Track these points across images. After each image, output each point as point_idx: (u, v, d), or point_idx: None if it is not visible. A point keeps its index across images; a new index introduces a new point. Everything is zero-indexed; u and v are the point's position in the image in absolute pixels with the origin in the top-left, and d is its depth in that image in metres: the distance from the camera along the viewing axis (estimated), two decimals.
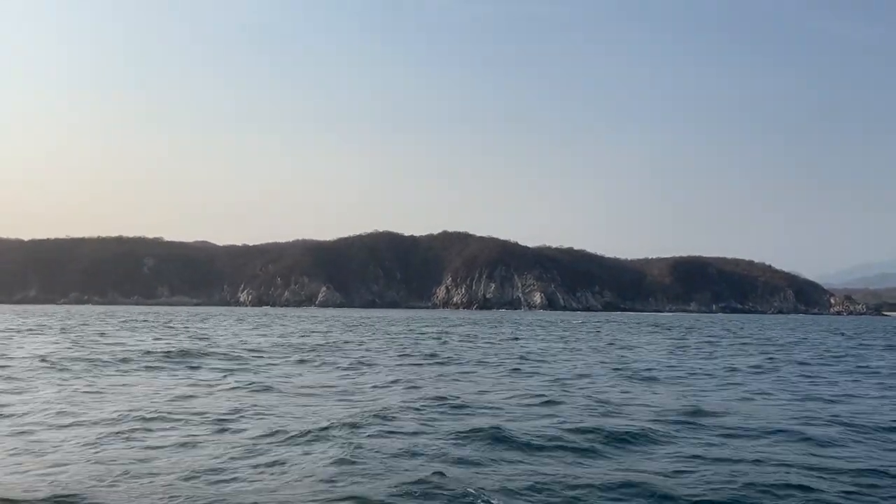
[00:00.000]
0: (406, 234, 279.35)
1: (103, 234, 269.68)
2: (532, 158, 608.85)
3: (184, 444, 11.11)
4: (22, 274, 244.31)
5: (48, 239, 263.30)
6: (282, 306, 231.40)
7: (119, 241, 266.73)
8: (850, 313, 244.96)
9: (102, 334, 43.68)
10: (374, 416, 13.38)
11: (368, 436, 11.64)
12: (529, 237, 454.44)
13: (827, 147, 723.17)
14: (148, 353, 28.30)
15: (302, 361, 26.01)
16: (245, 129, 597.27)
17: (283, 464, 9.89)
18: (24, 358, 24.80)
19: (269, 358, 27.50)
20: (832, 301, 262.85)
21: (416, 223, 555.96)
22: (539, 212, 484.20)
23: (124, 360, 24.78)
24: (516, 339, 46.33)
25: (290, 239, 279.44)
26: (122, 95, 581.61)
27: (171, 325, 62.76)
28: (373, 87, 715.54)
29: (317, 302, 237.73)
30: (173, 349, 30.16)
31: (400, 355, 29.88)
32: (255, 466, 9.77)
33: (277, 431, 11.98)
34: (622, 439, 11.63)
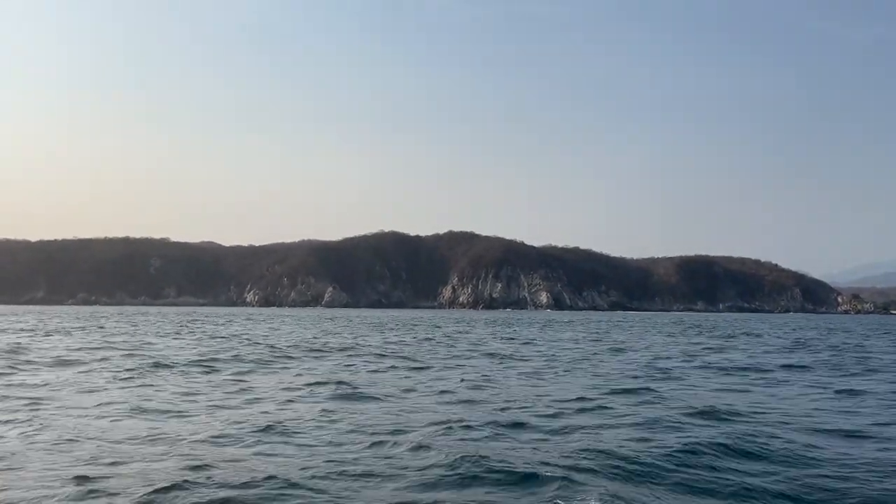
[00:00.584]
0: (412, 234, 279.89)
1: (110, 235, 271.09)
2: (536, 158, 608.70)
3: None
4: (30, 275, 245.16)
5: (55, 240, 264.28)
6: (288, 306, 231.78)
7: (126, 241, 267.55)
8: (858, 312, 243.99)
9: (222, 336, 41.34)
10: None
11: None
12: (535, 237, 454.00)
13: (831, 146, 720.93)
14: (272, 347, 30.51)
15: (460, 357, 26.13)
16: (249, 130, 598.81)
17: None
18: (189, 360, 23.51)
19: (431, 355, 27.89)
20: (839, 300, 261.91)
21: (422, 223, 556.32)
22: (544, 211, 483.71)
23: (287, 356, 26.16)
24: (620, 347, 37.50)
25: (296, 239, 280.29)
26: (124, 96, 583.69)
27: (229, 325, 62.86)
28: (375, 87, 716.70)
29: (323, 302, 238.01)
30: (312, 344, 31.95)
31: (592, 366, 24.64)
32: None
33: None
34: None
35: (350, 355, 27.08)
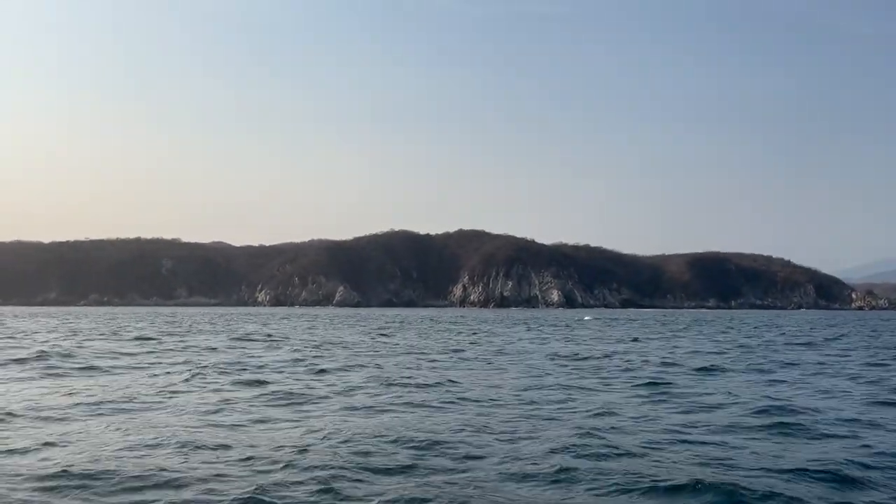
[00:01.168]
0: (422, 232, 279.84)
1: (122, 236, 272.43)
2: (544, 156, 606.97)
3: None
4: (43, 276, 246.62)
5: (67, 241, 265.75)
6: (300, 306, 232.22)
7: (137, 242, 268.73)
8: (873, 308, 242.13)
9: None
10: None
11: None
12: (545, 235, 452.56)
13: (842, 141, 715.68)
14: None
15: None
16: (259, 130, 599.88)
17: None
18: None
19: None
20: (853, 296, 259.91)
21: (431, 222, 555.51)
22: (553, 209, 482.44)
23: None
24: (636, 340, 40.61)
25: (305, 239, 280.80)
26: (127, 97, 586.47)
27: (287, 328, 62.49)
28: (382, 86, 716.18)
29: (334, 301, 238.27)
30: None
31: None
32: None
33: None
34: None
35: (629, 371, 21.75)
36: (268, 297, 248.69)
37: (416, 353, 28.43)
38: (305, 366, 22.25)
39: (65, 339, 36.00)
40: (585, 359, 26.10)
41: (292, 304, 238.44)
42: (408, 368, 21.84)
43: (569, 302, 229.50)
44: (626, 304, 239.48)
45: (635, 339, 40.83)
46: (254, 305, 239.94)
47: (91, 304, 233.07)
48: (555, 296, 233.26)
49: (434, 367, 22.41)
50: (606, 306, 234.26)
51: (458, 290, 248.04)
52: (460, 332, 49.78)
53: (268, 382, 17.53)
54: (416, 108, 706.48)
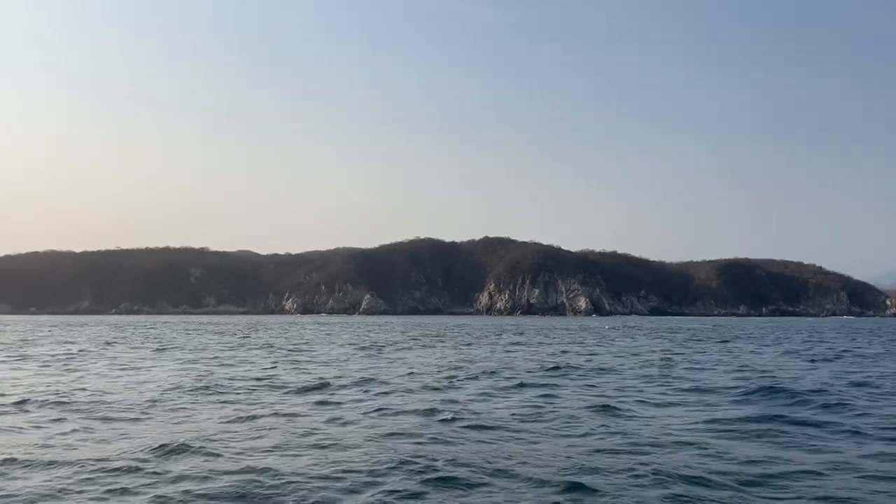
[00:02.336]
0: (447, 240, 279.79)
1: (151, 246, 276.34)
2: (569, 163, 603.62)
3: None
4: (75, 285, 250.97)
5: (99, 251, 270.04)
6: (327, 314, 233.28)
7: (166, 252, 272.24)
8: None
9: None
10: None
11: None
12: (571, 241, 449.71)
13: (873, 145, 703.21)
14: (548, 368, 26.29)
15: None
16: (279, 139, 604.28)
17: None
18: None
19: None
20: (888, 303, 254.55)
21: (457, 229, 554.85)
22: (580, 216, 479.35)
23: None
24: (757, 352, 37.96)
25: (331, 247, 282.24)
26: (163, 110, 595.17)
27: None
28: (413, 94, 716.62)
29: (360, 309, 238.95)
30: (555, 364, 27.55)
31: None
32: None
33: None
34: None
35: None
36: (295, 305, 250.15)
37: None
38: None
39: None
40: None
41: (319, 312, 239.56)
42: None
43: (597, 309, 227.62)
44: (654, 312, 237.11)
45: (812, 360, 31.35)
46: (281, 313, 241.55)
47: (122, 312, 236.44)
48: (582, 303, 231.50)
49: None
50: (635, 313, 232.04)
51: (483, 298, 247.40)
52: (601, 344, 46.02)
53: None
54: (439, 115, 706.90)
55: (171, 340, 49.54)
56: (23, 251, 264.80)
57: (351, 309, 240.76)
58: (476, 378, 22.19)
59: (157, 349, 38.57)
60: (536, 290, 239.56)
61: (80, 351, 36.89)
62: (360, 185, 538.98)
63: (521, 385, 20.10)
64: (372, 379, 21.70)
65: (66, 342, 46.59)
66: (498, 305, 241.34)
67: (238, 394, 18.13)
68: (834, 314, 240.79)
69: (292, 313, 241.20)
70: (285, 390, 18.87)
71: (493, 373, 23.87)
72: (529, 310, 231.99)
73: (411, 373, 23.98)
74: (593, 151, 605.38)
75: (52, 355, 33.23)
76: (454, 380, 21.65)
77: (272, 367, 26.27)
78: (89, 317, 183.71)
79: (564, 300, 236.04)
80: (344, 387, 19.70)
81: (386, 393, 18.36)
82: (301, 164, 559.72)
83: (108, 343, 45.25)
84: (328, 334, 63.61)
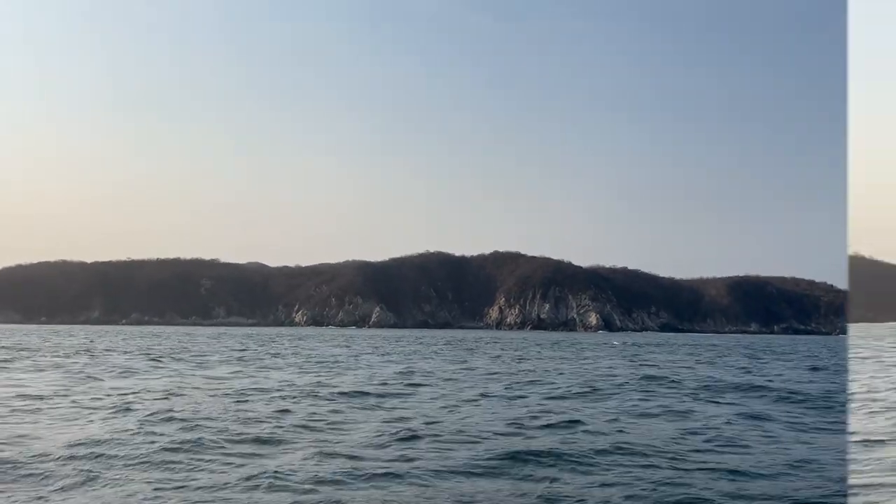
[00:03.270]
0: (457, 254, 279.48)
1: (162, 256, 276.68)
2: (577, 177, 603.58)
3: None
4: (86, 296, 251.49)
5: (110, 261, 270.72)
6: (336, 326, 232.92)
7: (176, 263, 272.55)
8: None
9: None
10: None
11: None
12: (581, 257, 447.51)
13: None
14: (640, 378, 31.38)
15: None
16: (288, 151, 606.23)
17: None
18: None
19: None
20: None
21: (466, 243, 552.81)
22: (589, 231, 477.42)
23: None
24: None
25: (340, 260, 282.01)
26: (171, 118, 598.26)
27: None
28: (421, 106, 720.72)
29: (370, 322, 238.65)
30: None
31: None
32: None
33: None
34: None
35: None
36: (304, 317, 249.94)
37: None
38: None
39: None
40: None
41: (328, 325, 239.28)
42: None
43: (607, 325, 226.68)
44: (664, 328, 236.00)
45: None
46: (290, 326, 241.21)
47: (132, 322, 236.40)
48: (593, 319, 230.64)
49: None
50: (645, 330, 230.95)
51: (494, 312, 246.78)
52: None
53: None
54: (440, 126, 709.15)
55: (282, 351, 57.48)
56: (34, 261, 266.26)
57: (360, 322, 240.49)
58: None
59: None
60: (547, 305, 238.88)
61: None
62: (370, 198, 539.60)
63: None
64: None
65: (232, 349, 56.50)
66: (508, 320, 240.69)
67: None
68: (846, 333, 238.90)
69: (302, 325, 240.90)
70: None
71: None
72: (539, 325, 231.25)
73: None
74: (602, 165, 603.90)
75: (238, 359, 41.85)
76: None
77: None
78: (106, 327, 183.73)
79: (575, 315, 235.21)
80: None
81: None
82: (311, 174, 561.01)
83: (274, 354, 51.66)
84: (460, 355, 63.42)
